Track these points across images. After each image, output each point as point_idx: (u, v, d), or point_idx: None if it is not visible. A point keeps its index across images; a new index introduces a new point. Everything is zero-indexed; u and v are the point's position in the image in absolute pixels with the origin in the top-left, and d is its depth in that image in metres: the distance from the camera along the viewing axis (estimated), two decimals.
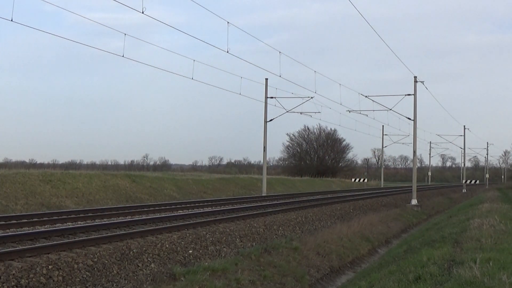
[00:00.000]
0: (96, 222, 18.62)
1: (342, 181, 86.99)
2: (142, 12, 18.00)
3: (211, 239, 16.59)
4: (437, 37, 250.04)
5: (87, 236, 14.75)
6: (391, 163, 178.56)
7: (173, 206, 26.05)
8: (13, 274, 10.20)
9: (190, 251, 14.83)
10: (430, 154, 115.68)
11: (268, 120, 42.38)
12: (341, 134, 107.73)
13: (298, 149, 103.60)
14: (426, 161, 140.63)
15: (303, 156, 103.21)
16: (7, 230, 15.78)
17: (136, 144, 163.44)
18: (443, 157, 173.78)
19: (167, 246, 14.60)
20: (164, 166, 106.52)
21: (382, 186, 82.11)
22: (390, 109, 42.15)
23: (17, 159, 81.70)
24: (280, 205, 30.00)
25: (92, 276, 11.32)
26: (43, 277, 10.50)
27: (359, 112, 45.69)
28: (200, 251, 15.19)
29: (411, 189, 42.13)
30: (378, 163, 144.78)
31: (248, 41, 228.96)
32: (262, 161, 45.48)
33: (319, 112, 44.26)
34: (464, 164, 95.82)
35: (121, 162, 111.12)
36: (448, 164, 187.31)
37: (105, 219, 19.59)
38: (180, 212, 23.05)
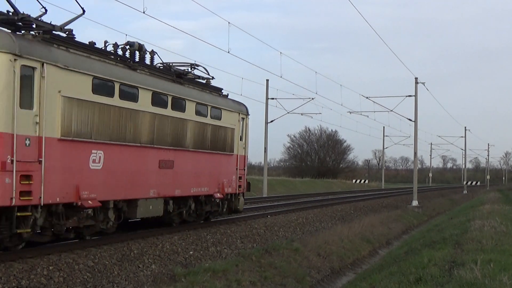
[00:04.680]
0: None
1: (343, 182, 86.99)
2: (143, 12, 18.00)
3: (212, 240, 16.60)
4: (438, 38, 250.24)
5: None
6: (392, 164, 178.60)
7: None
8: (14, 275, 10.20)
9: (191, 252, 14.83)
10: (431, 155, 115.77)
11: (269, 121, 42.42)
12: (342, 135, 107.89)
13: (299, 150, 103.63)
14: (427, 163, 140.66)
15: (304, 157, 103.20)
16: None
17: None
18: (444, 158, 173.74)
19: (168, 247, 14.60)
20: None
21: (383, 187, 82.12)
22: (391, 110, 42.19)
23: None
24: (281, 206, 30.01)
25: (92, 277, 11.32)
26: (43, 278, 10.50)
27: (360, 113, 45.83)
28: (201, 252, 15.19)
29: (412, 190, 42.12)
30: (379, 164, 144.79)
31: (249, 41, 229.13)
32: (263, 162, 45.54)
33: (320, 113, 44.53)
34: (465, 166, 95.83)
35: None
36: (449, 165, 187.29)
37: None
38: None
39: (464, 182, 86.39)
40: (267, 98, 42.26)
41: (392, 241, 26.03)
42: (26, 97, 10.91)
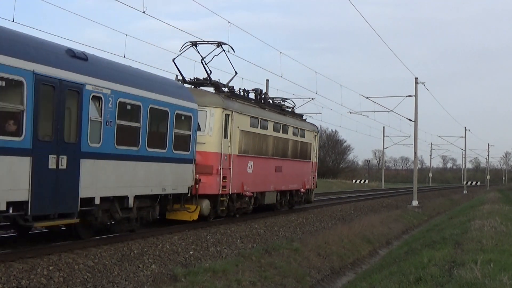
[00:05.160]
0: None
1: (343, 182, 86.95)
2: (143, 12, 17.99)
3: (212, 240, 16.59)
4: (438, 38, 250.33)
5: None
6: (392, 164, 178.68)
7: None
8: (14, 275, 10.20)
9: (191, 252, 14.83)
10: (431, 155, 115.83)
11: None
12: (342, 135, 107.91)
13: None
14: (427, 163, 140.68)
15: None
16: (8, 231, 15.76)
17: None
18: (444, 158, 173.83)
19: (168, 247, 14.60)
20: None
21: (383, 187, 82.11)
22: (391, 110, 42.12)
23: None
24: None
25: (93, 277, 11.32)
26: (43, 278, 10.50)
27: (360, 113, 45.73)
28: (201, 252, 15.18)
29: (412, 190, 42.12)
30: (379, 164, 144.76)
31: (249, 41, 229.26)
32: None
33: (320, 113, 44.50)
34: (465, 166, 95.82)
35: None
36: (449, 165, 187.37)
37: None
38: None
39: (464, 182, 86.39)
40: None
41: (392, 241, 26.03)
42: (225, 132, 18.93)
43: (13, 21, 15.06)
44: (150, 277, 12.27)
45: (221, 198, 18.95)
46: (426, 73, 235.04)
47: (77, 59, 12.79)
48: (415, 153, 42.22)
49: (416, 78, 40.77)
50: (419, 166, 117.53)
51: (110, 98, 13.41)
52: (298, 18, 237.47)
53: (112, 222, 14.26)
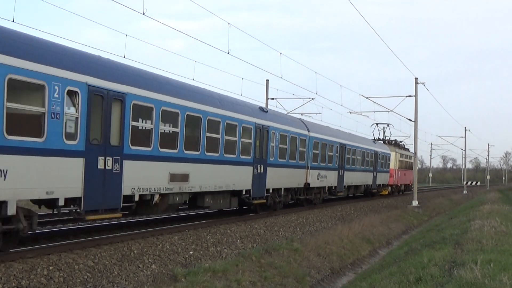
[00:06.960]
0: (97, 223, 18.57)
1: None
2: (143, 14, 17.99)
3: (212, 240, 16.59)
4: (438, 39, 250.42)
5: (88, 237, 14.75)
6: None
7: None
8: (14, 275, 10.20)
9: (191, 252, 14.82)
10: (431, 155, 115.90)
11: None
12: None
13: None
14: (427, 163, 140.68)
15: None
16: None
17: None
18: (444, 158, 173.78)
19: (168, 247, 14.60)
20: None
21: None
22: (391, 110, 42.21)
23: None
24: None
25: (93, 277, 11.32)
26: (44, 278, 10.50)
27: (360, 113, 45.74)
28: (201, 252, 15.18)
29: (412, 190, 42.04)
30: None
31: (249, 41, 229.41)
32: None
33: (320, 113, 45.23)
34: (465, 166, 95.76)
35: None
36: (449, 165, 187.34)
37: (105, 220, 19.53)
38: (181, 213, 23.04)
39: (464, 182, 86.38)
40: (267, 98, 42.18)
41: (392, 241, 26.02)
42: (395, 160, 48.93)
43: (13, 21, 15.10)
44: (150, 277, 12.27)
45: (392, 186, 47.11)
46: (426, 73, 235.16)
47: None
48: (415, 153, 42.23)
49: (416, 78, 40.77)
50: (419, 166, 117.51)
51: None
52: (298, 18, 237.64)
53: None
